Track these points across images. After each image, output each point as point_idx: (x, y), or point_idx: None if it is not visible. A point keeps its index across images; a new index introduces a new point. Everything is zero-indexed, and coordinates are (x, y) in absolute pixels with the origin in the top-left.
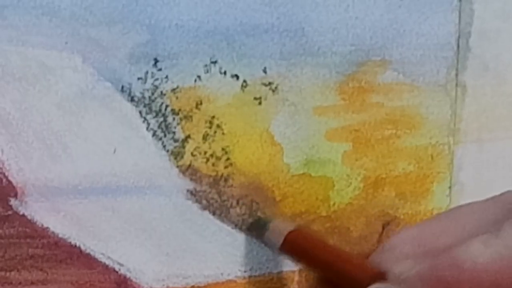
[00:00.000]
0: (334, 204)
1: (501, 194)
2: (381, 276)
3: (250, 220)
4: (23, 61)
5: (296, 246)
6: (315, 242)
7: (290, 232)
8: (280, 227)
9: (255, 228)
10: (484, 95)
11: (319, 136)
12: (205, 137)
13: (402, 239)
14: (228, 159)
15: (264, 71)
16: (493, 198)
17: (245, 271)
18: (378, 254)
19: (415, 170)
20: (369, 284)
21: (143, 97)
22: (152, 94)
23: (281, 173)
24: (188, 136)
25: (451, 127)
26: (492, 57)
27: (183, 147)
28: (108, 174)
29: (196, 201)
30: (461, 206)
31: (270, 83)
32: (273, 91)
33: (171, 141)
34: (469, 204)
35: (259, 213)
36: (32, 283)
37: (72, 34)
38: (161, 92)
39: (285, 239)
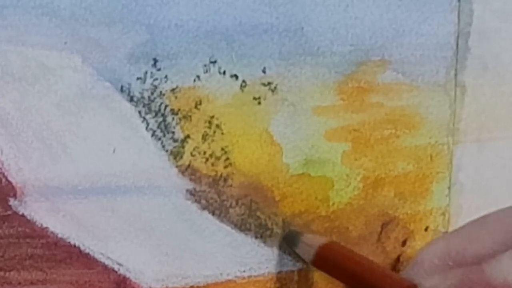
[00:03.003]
0: (333, 204)
1: None
2: None
3: (284, 232)
4: (22, 61)
5: (329, 259)
6: (348, 256)
7: (322, 246)
8: (313, 240)
9: (288, 241)
10: (483, 95)
11: (318, 136)
12: (204, 137)
13: (431, 252)
14: (227, 159)
15: (264, 71)
16: None
17: (244, 271)
18: (409, 268)
19: (414, 170)
20: None
21: (143, 97)
22: (152, 94)
23: (281, 173)
24: (188, 136)
25: (450, 127)
26: (491, 57)
27: (183, 147)
28: (107, 174)
29: (196, 201)
30: (488, 215)
31: (269, 83)
32: (273, 91)
33: (171, 141)
34: (496, 211)
35: (291, 227)
36: (32, 283)
37: (71, 34)
38: (161, 92)
39: (317, 253)
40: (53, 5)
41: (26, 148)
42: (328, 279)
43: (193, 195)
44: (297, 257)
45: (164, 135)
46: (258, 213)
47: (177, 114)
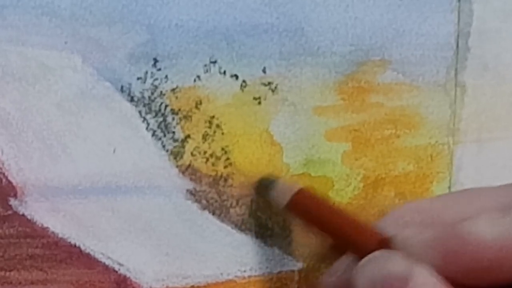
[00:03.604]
0: (333, 204)
1: None
2: (386, 242)
3: (257, 179)
4: (23, 61)
5: (303, 205)
6: (322, 204)
7: (297, 191)
8: (288, 186)
9: (262, 187)
10: (483, 95)
11: (318, 136)
12: (204, 137)
13: (408, 209)
14: (227, 159)
15: (264, 71)
16: (505, 184)
17: (244, 271)
18: (383, 221)
19: (414, 170)
20: (374, 248)
21: (143, 97)
22: (152, 94)
23: (281, 173)
24: (188, 136)
25: (450, 127)
26: (492, 57)
27: (183, 147)
28: (107, 174)
29: (196, 201)
30: (472, 188)
31: (269, 83)
32: (273, 91)
33: (171, 141)
34: (481, 187)
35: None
36: (32, 283)
37: (72, 34)
38: (161, 92)
39: (292, 198)
40: (53, 5)
41: (27, 148)
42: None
43: (194, 195)
44: (269, 205)
45: (165, 135)
46: (258, 213)
47: (177, 114)
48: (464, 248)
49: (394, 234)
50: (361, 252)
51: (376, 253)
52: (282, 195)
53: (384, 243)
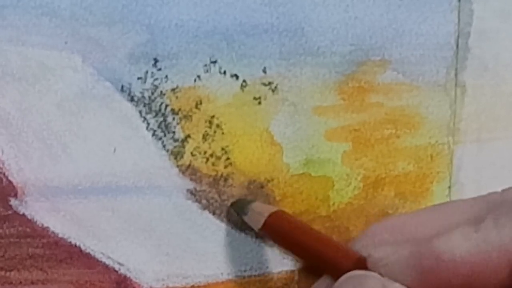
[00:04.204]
0: (333, 204)
1: (487, 194)
2: (361, 262)
3: (232, 201)
4: (23, 61)
5: (277, 228)
6: (297, 225)
7: (271, 214)
8: (262, 209)
9: (237, 209)
10: (483, 95)
11: (318, 136)
12: (205, 137)
13: (383, 226)
14: (228, 158)
15: (264, 71)
16: (478, 196)
17: (245, 271)
18: (358, 240)
19: (414, 170)
20: (350, 269)
21: (143, 97)
22: (152, 94)
23: (281, 173)
24: (188, 136)
25: (450, 127)
26: (492, 57)
27: (183, 146)
28: (108, 174)
29: (196, 200)
30: (445, 202)
31: (269, 83)
32: (273, 91)
33: (171, 141)
34: (454, 201)
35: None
36: (32, 282)
37: (72, 34)
38: (161, 91)
39: (266, 221)
40: (53, 5)
41: (27, 148)
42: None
43: (194, 194)
44: (245, 226)
45: (165, 135)
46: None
47: (177, 114)
48: (438, 265)
49: (369, 254)
50: (337, 272)
51: (351, 273)
52: (256, 218)
53: (360, 263)
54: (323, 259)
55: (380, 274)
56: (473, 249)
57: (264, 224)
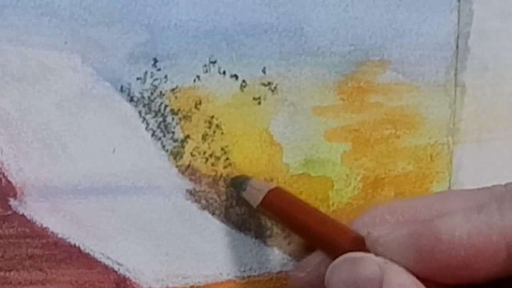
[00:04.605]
0: (333, 204)
1: (491, 186)
2: (359, 240)
3: (231, 177)
4: (22, 61)
5: (276, 205)
6: (295, 203)
7: (270, 190)
8: (261, 185)
9: (236, 185)
10: (483, 95)
11: (318, 136)
12: (204, 137)
13: (384, 208)
14: (227, 159)
15: (263, 71)
16: (482, 187)
17: (244, 271)
18: (359, 219)
19: (414, 170)
20: (347, 247)
21: (143, 97)
22: (152, 94)
23: (281, 173)
24: (188, 136)
25: (450, 127)
26: (492, 57)
27: (183, 147)
28: (107, 174)
29: (196, 201)
30: (448, 190)
31: (269, 83)
32: (272, 91)
33: (171, 141)
34: (457, 190)
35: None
36: (32, 283)
37: (71, 34)
38: (160, 92)
39: (264, 197)
40: (53, 5)
41: (26, 148)
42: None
43: (193, 195)
44: (244, 203)
45: (164, 135)
46: (258, 213)
47: (177, 114)
48: (437, 245)
49: (368, 232)
50: (334, 251)
51: (349, 254)
52: (255, 194)
53: (358, 242)
54: (320, 236)
55: (378, 253)
56: (474, 231)
57: (263, 200)
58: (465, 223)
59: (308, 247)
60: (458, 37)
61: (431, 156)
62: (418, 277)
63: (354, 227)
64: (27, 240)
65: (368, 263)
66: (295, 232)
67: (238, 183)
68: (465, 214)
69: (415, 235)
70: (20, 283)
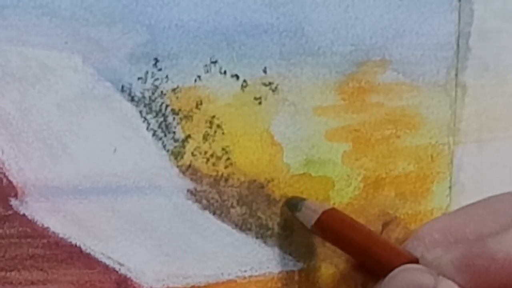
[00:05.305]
0: (334, 204)
1: None
2: (413, 262)
3: (287, 198)
4: (23, 61)
5: (330, 226)
6: (350, 224)
7: (324, 212)
8: (316, 206)
9: (290, 206)
10: (484, 95)
11: (319, 136)
12: (205, 137)
13: (432, 227)
14: (228, 159)
15: (264, 71)
16: None
17: (245, 271)
18: (409, 242)
19: (415, 170)
20: None
21: (143, 97)
22: (152, 94)
23: (281, 173)
24: (188, 136)
25: (451, 127)
26: (492, 57)
27: (183, 147)
28: (108, 174)
29: (197, 201)
30: (491, 197)
31: (270, 83)
32: (273, 91)
33: (171, 141)
34: (500, 194)
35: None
36: (32, 283)
37: (72, 34)
38: (161, 92)
39: (319, 218)
40: (53, 5)
41: (27, 148)
42: (328, 279)
43: (194, 195)
44: (298, 223)
45: (165, 135)
46: (258, 213)
47: (178, 114)
48: (491, 266)
49: (422, 255)
50: (388, 272)
51: (405, 266)
52: (309, 215)
53: (413, 263)
54: (375, 258)
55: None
56: None
57: (317, 221)
58: None
59: (357, 267)
60: (458, 37)
61: (431, 156)
62: None
63: (408, 248)
64: (28, 240)
65: (424, 273)
66: (348, 253)
67: (293, 204)
68: None
69: (469, 256)
70: (21, 283)
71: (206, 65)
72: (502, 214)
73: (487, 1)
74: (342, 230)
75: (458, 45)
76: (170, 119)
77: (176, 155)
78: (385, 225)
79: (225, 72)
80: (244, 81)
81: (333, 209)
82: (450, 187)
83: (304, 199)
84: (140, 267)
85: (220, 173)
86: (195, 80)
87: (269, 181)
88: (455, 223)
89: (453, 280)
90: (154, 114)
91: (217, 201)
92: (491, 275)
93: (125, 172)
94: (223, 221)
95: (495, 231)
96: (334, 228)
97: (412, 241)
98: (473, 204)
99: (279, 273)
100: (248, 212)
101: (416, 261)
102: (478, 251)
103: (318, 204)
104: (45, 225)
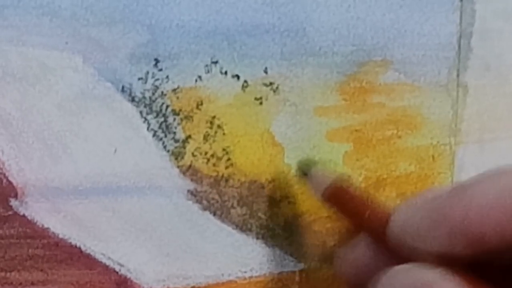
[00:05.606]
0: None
1: None
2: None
3: (299, 160)
4: (23, 61)
5: (338, 197)
6: (357, 197)
7: (332, 183)
8: (323, 176)
9: (302, 169)
10: (485, 95)
11: (320, 136)
12: (205, 137)
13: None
14: (229, 159)
15: (265, 71)
16: None
17: (245, 272)
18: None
19: (416, 171)
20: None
21: (144, 97)
22: (153, 94)
23: (282, 173)
24: (189, 136)
25: (452, 127)
26: (494, 57)
27: (184, 147)
28: (108, 175)
29: (197, 201)
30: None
31: (271, 83)
32: (274, 91)
33: (172, 141)
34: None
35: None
36: (32, 283)
37: (72, 34)
38: (162, 92)
39: (327, 188)
40: (54, 5)
41: (27, 148)
42: (328, 279)
43: (194, 195)
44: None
45: (166, 136)
46: (259, 214)
47: (178, 114)
48: (468, 213)
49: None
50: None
51: (404, 265)
52: (318, 183)
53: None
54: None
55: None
56: (506, 192)
57: (325, 191)
58: (496, 184)
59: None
60: (460, 37)
61: (433, 157)
62: (453, 256)
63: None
64: (28, 240)
65: (423, 271)
66: (354, 225)
67: (304, 168)
68: (496, 175)
69: (445, 205)
70: (21, 283)
71: (206, 65)
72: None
73: (489, 1)
74: (348, 203)
75: (459, 45)
76: (170, 119)
77: (177, 155)
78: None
79: (226, 72)
80: (245, 81)
81: (339, 179)
82: None
83: (315, 163)
84: (140, 268)
85: (220, 174)
86: (196, 80)
87: (270, 182)
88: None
89: (430, 241)
90: (154, 114)
91: (217, 202)
92: (470, 228)
93: (125, 173)
94: (223, 221)
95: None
96: (341, 200)
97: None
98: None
99: (280, 273)
100: (248, 212)
101: None
102: (455, 198)
103: (326, 173)
104: (45, 226)
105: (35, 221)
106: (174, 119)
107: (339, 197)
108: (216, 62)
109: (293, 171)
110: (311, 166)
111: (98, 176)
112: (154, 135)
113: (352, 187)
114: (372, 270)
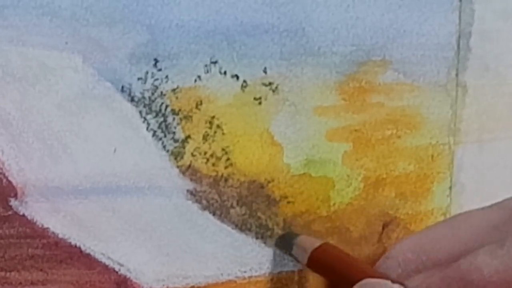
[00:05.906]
0: (334, 204)
1: (502, 201)
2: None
3: (278, 235)
4: (23, 61)
5: (322, 263)
6: (340, 258)
7: (315, 249)
8: (306, 244)
9: (282, 243)
10: (484, 95)
11: (319, 136)
12: (205, 137)
13: (405, 247)
14: (228, 159)
15: (264, 71)
16: (493, 204)
17: (245, 271)
18: (382, 261)
19: (415, 170)
20: None
21: (143, 97)
22: (152, 94)
23: (281, 173)
24: (188, 136)
25: (451, 127)
26: (493, 57)
27: (183, 147)
28: (108, 174)
29: (196, 201)
30: (460, 214)
31: (270, 83)
32: (273, 91)
33: (171, 141)
34: (469, 211)
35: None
36: (32, 283)
37: (72, 34)
38: (161, 92)
39: (310, 256)
40: (54, 5)
41: (27, 148)
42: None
43: (194, 195)
44: (293, 259)
45: (165, 135)
46: (258, 214)
47: (178, 114)
48: (469, 286)
49: (405, 283)
50: None
51: (369, 280)
52: (301, 253)
53: None
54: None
55: None
56: (501, 267)
57: (309, 259)
58: (491, 261)
59: None
60: (459, 37)
61: (432, 157)
62: None
63: (384, 269)
64: (28, 240)
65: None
66: (343, 286)
67: (283, 243)
68: (488, 250)
69: (446, 281)
70: (20, 283)
71: (206, 65)
72: (471, 230)
73: (487, 2)
74: (333, 266)
75: (458, 45)
76: (170, 119)
77: (176, 155)
78: (385, 225)
79: (225, 72)
80: (244, 81)
81: (322, 245)
82: (450, 187)
83: (294, 237)
84: (140, 267)
85: (220, 174)
86: (195, 80)
87: (269, 182)
88: (427, 242)
89: None
90: (154, 114)
91: (217, 202)
92: None
93: (125, 172)
94: (223, 221)
95: (465, 250)
96: (325, 265)
97: (385, 260)
98: (444, 221)
99: (279, 273)
100: (248, 212)
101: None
102: (454, 275)
103: (309, 240)
104: (45, 226)
105: (35, 221)
106: (174, 119)
107: (322, 263)
108: (215, 62)
109: (292, 170)
110: (292, 239)
111: (97, 176)
112: (153, 135)
113: (336, 249)
114: None
